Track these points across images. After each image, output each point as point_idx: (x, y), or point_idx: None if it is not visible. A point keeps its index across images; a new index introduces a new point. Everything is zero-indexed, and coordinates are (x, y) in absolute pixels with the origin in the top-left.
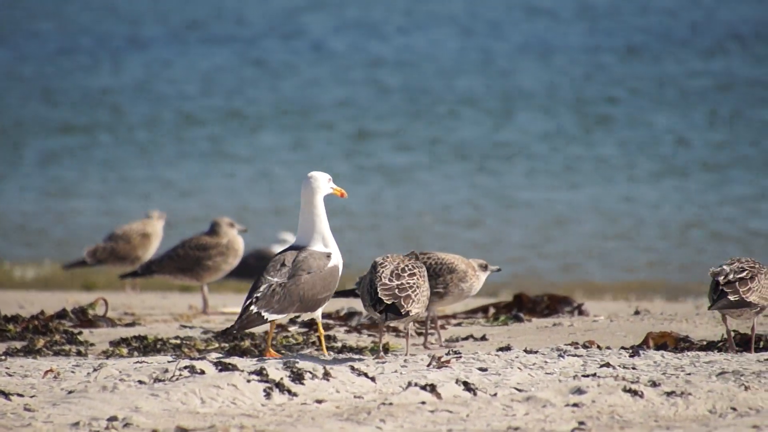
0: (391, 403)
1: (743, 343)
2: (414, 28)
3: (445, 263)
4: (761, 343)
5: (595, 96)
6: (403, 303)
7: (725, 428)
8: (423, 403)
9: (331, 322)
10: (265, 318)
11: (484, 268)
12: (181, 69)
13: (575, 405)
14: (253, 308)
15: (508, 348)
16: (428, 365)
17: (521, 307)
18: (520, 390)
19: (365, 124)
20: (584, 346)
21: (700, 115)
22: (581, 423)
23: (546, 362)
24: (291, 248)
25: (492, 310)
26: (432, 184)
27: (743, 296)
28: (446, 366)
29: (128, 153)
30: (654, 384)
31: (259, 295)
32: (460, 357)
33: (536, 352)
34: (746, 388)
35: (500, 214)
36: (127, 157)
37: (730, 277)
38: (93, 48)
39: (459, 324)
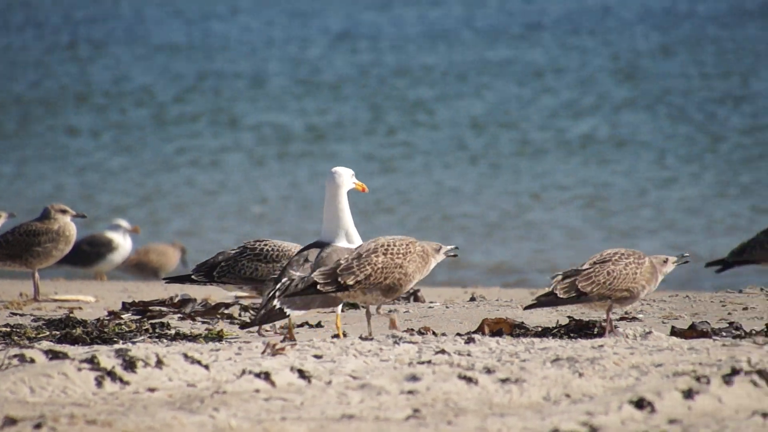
0: (224, 392)
1: (577, 329)
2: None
3: (282, 250)
4: (596, 330)
5: (410, 81)
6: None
7: (559, 415)
8: (257, 391)
9: (164, 309)
10: (287, 314)
11: None
12: None
13: (410, 392)
14: (276, 303)
15: (343, 334)
16: (263, 353)
17: None
18: (354, 377)
19: (173, 108)
20: (420, 333)
21: (515, 101)
22: (416, 410)
23: (381, 349)
24: (315, 244)
25: None
26: (248, 170)
27: (581, 290)
28: (281, 353)
29: None
30: (489, 371)
31: (281, 287)
32: (295, 344)
33: (371, 339)
34: (580, 375)
35: (315, 197)
36: None
37: (562, 277)
38: None
39: None
